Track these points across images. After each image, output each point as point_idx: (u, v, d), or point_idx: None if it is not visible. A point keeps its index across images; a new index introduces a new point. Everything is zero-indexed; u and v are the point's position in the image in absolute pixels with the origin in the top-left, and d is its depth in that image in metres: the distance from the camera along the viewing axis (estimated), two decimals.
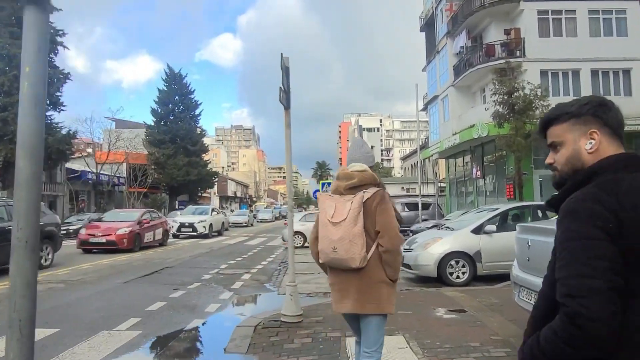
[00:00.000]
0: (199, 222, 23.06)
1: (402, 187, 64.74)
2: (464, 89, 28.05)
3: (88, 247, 15.53)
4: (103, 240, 15.27)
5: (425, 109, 35.29)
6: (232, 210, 53.38)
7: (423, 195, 22.80)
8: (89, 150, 40.00)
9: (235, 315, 6.48)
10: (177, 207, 54.13)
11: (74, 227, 22.64)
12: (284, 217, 20.98)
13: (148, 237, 17.06)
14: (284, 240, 18.09)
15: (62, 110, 26.71)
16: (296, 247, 17.72)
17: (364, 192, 2.80)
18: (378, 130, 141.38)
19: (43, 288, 8.31)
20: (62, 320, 5.91)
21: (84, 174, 38.30)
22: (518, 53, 23.15)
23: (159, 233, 18.11)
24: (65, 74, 26.40)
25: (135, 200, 42.00)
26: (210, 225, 23.99)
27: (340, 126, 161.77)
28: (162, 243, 18.45)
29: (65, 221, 25.13)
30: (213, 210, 26.97)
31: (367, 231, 2.74)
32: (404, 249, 9.11)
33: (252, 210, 57.85)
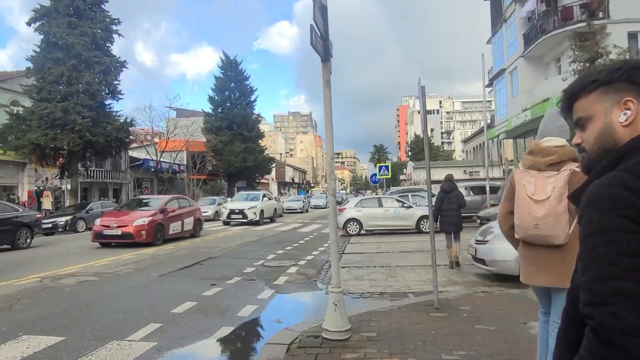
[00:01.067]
0: (249, 209, 22.28)
1: (465, 171, 61.64)
2: (535, 60, 25.34)
3: (103, 241, 13.37)
4: (119, 232, 13.10)
5: (490, 85, 32.56)
6: (289, 196, 52.34)
7: (490, 179, 20.76)
8: (155, 139, 40.81)
9: (271, 323, 5.41)
10: (235, 193, 54.89)
11: None
12: (340, 203, 19.83)
13: (174, 227, 14.69)
14: (338, 227, 16.96)
15: (120, 98, 27.06)
16: (351, 235, 16.73)
17: (570, 170, 2.80)
18: (437, 112, 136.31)
19: (73, 282, 7.73)
20: (74, 325, 5.13)
21: (146, 161, 39.21)
22: (601, 14, 20.34)
23: (188, 223, 15.68)
24: (121, 62, 26.58)
25: (194, 187, 42.69)
26: (262, 211, 23.15)
27: (398, 109, 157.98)
28: (194, 234, 16.11)
29: None
30: (264, 196, 25.62)
31: (568, 208, 2.75)
32: (476, 241, 7.66)
33: (308, 196, 56.88)
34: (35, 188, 30.14)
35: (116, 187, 38.20)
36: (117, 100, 26.93)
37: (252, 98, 52.05)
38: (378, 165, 21.30)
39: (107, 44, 26.38)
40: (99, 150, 26.50)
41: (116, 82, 26.53)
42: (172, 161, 39.54)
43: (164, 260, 10.46)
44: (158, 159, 37.46)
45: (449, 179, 9.45)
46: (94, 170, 34.65)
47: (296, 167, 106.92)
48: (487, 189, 18.67)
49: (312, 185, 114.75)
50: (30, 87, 24.22)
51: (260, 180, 63.17)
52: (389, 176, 21.91)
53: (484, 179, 27.09)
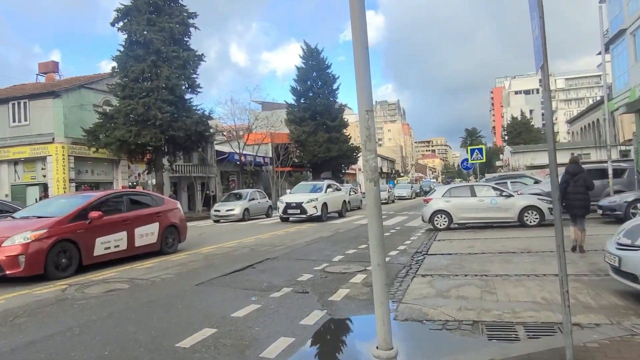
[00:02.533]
0: (308, 202, 19.20)
1: (572, 154, 54.57)
2: None
3: None
4: None
5: (606, 50, 27.70)
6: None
7: (612, 161, 17.08)
8: (240, 133, 41.11)
9: None
10: None
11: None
12: (427, 192, 17.29)
13: (104, 245, 8.89)
14: (424, 220, 14.82)
15: (199, 92, 26.90)
16: (439, 230, 14.48)
17: None
18: (537, 92, 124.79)
19: (99, 291, 6.66)
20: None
21: (231, 155, 39.53)
22: None
23: (146, 234, 9.87)
24: (199, 55, 26.40)
25: (279, 179, 42.43)
26: (324, 205, 19.91)
27: (492, 92, 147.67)
28: (162, 250, 10.34)
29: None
30: (329, 186, 21.97)
31: None
32: (618, 246, 5.29)
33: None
34: (129, 184, 31.48)
35: (203, 182, 38.94)
36: (196, 94, 26.82)
37: (335, 86, 50.61)
38: (470, 148, 18.52)
39: (185, 38, 26.32)
40: (181, 144, 26.66)
41: (194, 76, 26.42)
42: (255, 154, 39.34)
43: (215, 261, 9.22)
44: (241, 151, 37.45)
45: (575, 161, 9.31)
46: (181, 165, 35.55)
47: (384, 156, 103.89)
48: (610, 172, 15.23)
49: (402, 174, 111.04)
50: (114, 86, 24.85)
51: (346, 171, 61.84)
52: (484, 160, 19.05)
53: (601, 162, 23.00)
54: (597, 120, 60.36)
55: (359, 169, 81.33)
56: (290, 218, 20.25)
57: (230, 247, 11.49)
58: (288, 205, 19.68)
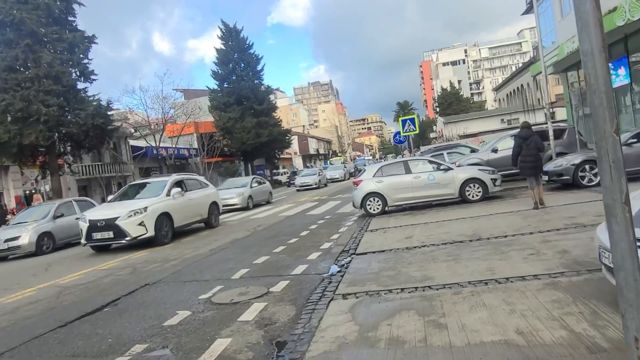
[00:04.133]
0: (128, 217, 10.94)
1: (502, 120, 55.78)
2: None
3: None
4: None
5: (529, 10, 27.06)
6: (302, 171, 45.18)
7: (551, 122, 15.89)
8: (154, 125, 37.26)
9: None
10: (253, 173, 51.24)
11: None
12: (360, 171, 15.25)
13: None
14: (355, 205, 12.86)
15: (94, 80, 23.20)
16: (372, 215, 12.24)
17: None
18: (464, 62, 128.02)
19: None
20: None
21: (149, 150, 35.87)
22: None
23: None
24: (88, 37, 22.72)
25: (207, 171, 39.26)
26: (164, 216, 12.32)
27: (421, 66, 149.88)
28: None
29: None
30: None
31: None
32: None
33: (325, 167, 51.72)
34: (25, 192, 27.29)
35: (120, 181, 35.08)
36: (91, 83, 23.12)
37: (259, 67, 47.66)
38: (401, 119, 16.71)
39: (70, 17, 22.51)
40: (79, 142, 23.04)
41: (85, 62, 22.73)
42: (173, 145, 35.94)
43: (67, 299, 6.60)
44: (157, 144, 33.96)
45: (526, 125, 9.84)
46: (89, 166, 31.58)
47: (320, 137, 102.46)
48: (550, 133, 13.96)
49: (339, 154, 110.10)
50: None
51: (281, 156, 59.37)
52: (417, 131, 17.37)
53: (539, 124, 22.29)
54: (521, 85, 62.00)
55: (295, 153, 79.04)
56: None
57: (108, 269, 8.85)
58: (93, 226, 11.02)
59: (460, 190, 11.93)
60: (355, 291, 5.11)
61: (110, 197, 14.78)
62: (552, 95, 47.59)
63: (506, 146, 15.81)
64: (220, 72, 46.47)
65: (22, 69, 20.68)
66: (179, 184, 12.96)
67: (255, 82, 47.12)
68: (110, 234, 10.82)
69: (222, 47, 46.73)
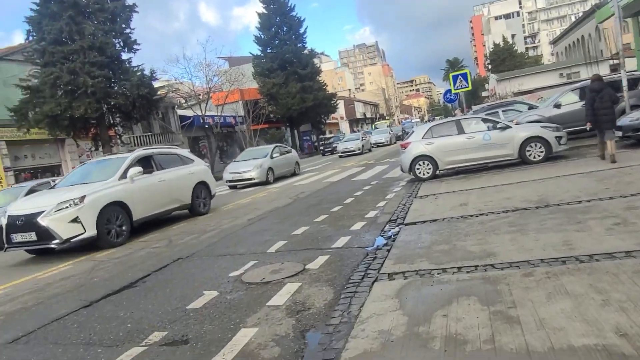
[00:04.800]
0: (55, 213, 7.86)
1: (561, 74, 51.71)
2: None
3: None
4: None
5: None
6: (344, 136, 42.70)
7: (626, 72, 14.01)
8: (199, 94, 37.33)
9: None
10: (300, 139, 50.78)
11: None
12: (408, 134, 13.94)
13: None
14: (402, 170, 12.01)
15: (137, 49, 23.13)
16: (422, 179, 10.69)
17: None
18: (518, 15, 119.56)
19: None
20: None
21: (196, 119, 36.02)
22: None
23: None
24: (129, 5, 22.50)
25: (252, 139, 39.17)
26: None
27: (471, 21, 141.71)
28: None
29: None
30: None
31: None
32: None
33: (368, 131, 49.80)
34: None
35: None
36: (134, 53, 23.08)
37: (302, 30, 46.33)
38: (452, 75, 15.34)
39: None
40: (127, 113, 23.26)
41: (128, 31, 22.63)
42: (219, 114, 35.86)
43: (99, 275, 6.35)
44: (203, 113, 34.01)
45: (597, 78, 9.65)
46: (140, 136, 32.17)
47: (366, 101, 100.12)
48: (624, 83, 12.27)
49: (387, 117, 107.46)
50: (31, 52, 21.11)
51: (327, 121, 58.40)
52: (469, 88, 15.95)
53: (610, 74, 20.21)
54: (582, 37, 57.00)
55: (341, 117, 77.76)
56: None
57: (145, 241, 8.62)
58: (11, 225, 8.00)
59: (520, 150, 10.78)
60: (403, 270, 4.43)
61: (58, 180, 11.74)
62: (614, 46, 43.39)
63: (570, 100, 14.28)
64: (263, 37, 45.64)
65: (68, 42, 20.81)
66: (143, 161, 9.87)
67: (299, 45, 45.98)
68: (33, 236, 7.76)
69: (264, 11, 45.69)
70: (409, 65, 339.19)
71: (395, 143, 36.01)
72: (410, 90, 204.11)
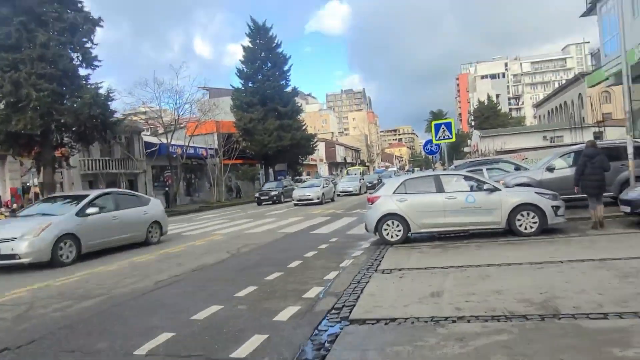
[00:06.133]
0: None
1: (544, 137, 51.43)
2: None
3: None
4: None
5: (591, 11, 23.62)
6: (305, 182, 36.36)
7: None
8: (165, 120, 35.25)
9: None
10: (274, 179, 48.78)
11: None
12: (379, 183, 11.51)
13: None
14: (367, 229, 10.01)
15: (97, 66, 21.11)
16: (390, 243, 6.68)
17: None
18: (504, 76, 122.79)
19: None
20: None
21: (163, 147, 33.77)
22: None
23: None
24: (93, 19, 20.66)
25: (221, 173, 36.95)
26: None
27: (457, 79, 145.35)
28: None
29: None
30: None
31: None
32: None
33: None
34: (22, 186, 25.53)
35: (131, 178, 33.19)
36: (93, 69, 21.04)
37: (286, 68, 45.29)
38: (434, 123, 13.60)
39: None
40: (78, 133, 20.96)
41: (88, 45, 20.67)
42: (186, 144, 33.80)
43: None
44: (169, 141, 31.92)
45: (592, 144, 9.70)
46: (97, 160, 29.72)
47: (348, 145, 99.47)
48: (630, 151, 10.68)
49: (367, 164, 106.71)
50: None
51: (305, 162, 56.69)
52: (453, 139, 14.31)
53: (582, 143, 18.99)
54: (565, 102, 57.54)
55: (321, 160, 76.32)
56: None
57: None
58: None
59: (510, 218, 8.91)
60: None
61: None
62: (598, 114, 43.37)
63: (564, 164, 12.69)
64: (245, 70, 44.41)
65: (18, 49, 18.70)
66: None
67: (282, 82, 44.83)
68: None
69: (250, 44, 44.69)
70: (394, 115, 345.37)
71: (365, 192, 31.99)
72: (393, 139, 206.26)
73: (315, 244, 10.22)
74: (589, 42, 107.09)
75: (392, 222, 9.38)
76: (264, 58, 44.71)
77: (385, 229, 9.41)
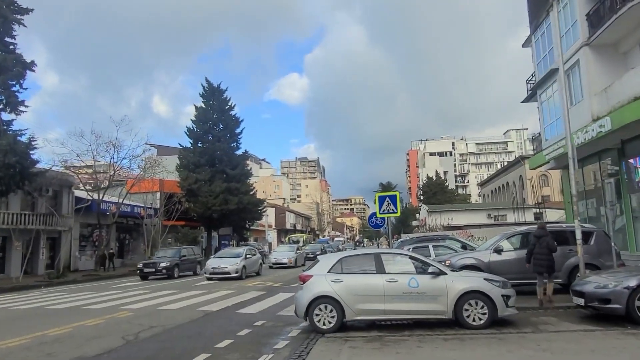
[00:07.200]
0: None
1: (489, 215, 52.68)
2: (606, 50, 17.70)
3: None
4: None
5: (531, 97, 24.68)
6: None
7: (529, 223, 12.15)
8: (100, 176, 32.91)
9: None
10: (218, 243, 46.36)
11: None
12: (316, 257, 10.25)
13: None
14: (297, 313, 8.58)
15: (22, 112, 19.41)
16: (322, 332, 5.55)
17: None
18: (451, 155, 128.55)
19: None
20: None
21: (94, 204, 31.17)
22: None
23: None
24: (24, 62, 19.23)
25: (158, 235, 34.42)
26: None
27: (408, 154, 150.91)
28: None
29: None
30: None
31: None
32: None
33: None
34: None
35: (54, 236, 30.09)
36: (18, 115, 19.27)
37: (238, 130, 44.62)
38: (378, 195, 12.72)
39: (6, 38, 19.15)
40: None
41: (16, 89, 19.06)
42: (120, 201, 31.49)
43: None
44: (100, 197, 29.56)
45: (542, 227, 10.31)
46: (15, 214, 26.76)
47: (299, 212, 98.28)
48: (578, 237, 10.09)
49: (317, 232, 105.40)
50: None
51: (252, 227, 54.73)
52: (398, 214, 13.47)
53: (529, 223, 18.80)
54: (507, 183, 59.99)
55: (270, 226, 74.33)
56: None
57: None
58: None
59: (456, 307, 7.82)
60: None
61: None
62: (538, 196, 45.12)
63: (510, 247, 12.04)
64: (196, 130, 43.35)
65: None
66: None
67: (232, 144, 43.98)
68: None
69: (203, 105, 44.04)
70: (347, 185, 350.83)
71: (302, 265, 28.71)
72: (345, 209, 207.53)
73: (236, 328, 8.64)
74: (527, 128, 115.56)
75: (325, 307, 8.04)
76: (216, 119, 44.01)
77: (317, 315, 8.02)
